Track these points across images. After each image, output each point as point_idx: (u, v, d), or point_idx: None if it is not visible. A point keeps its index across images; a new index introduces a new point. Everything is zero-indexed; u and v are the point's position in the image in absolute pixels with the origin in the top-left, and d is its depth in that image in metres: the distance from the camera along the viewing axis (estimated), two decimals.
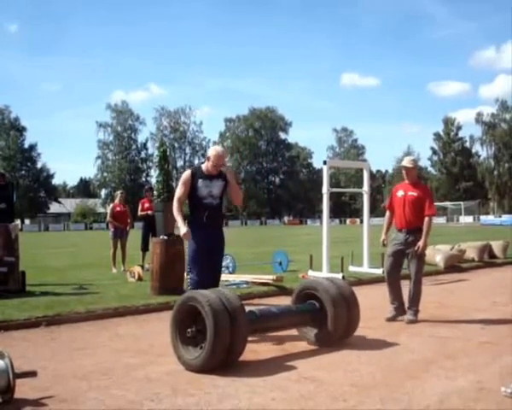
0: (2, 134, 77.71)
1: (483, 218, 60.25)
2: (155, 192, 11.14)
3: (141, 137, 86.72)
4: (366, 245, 10.68)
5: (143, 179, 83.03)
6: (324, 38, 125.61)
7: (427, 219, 6.39)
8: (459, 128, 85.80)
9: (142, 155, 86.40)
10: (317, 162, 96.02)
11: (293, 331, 5.46)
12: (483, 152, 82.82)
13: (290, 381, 4.15)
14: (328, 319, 5.08)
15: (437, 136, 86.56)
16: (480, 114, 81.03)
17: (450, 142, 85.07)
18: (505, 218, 55.05)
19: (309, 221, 79.15)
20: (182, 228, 5.33)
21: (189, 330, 4.48)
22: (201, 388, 4.00)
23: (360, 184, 12.23)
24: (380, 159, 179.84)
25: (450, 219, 66.70)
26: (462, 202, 62.04)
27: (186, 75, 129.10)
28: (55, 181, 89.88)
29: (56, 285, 9.11)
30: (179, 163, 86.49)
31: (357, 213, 77.92)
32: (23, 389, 3.83)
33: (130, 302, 7.43)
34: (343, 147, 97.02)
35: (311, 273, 10.02)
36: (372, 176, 63.40)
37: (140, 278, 9.75)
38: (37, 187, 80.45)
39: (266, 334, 5.38)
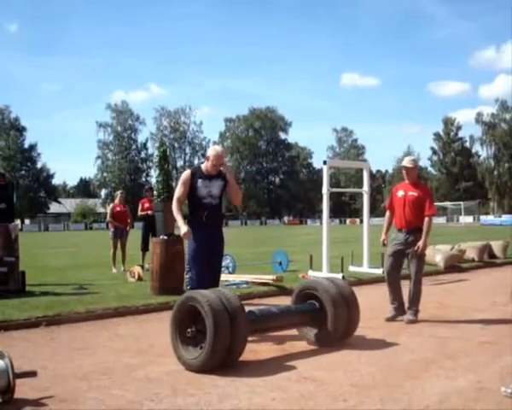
0: (2, 134, 77.70)
1: (483, 218, 60.27)
2: (155, 192, 11.14)
3: (141, 137, 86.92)
4: (366, 245, 10.68)
5: (143, 179, 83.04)
6: (324, 38, 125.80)
7: (427, 219, 6.39)
8: (459, 128, 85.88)
9: (142, 155, 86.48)
10: (317, 162, 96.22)
11: (293, 331, 5.46)
12: (483, 152, 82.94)
13: (290, 381, 4.15)
14: (328, 319, 5.09)
15: (437, 136, 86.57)
16: (479, 114, 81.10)
17: (450, 142, 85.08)
18: (505, 218, 55.05)
19: (309, 221, 79.16)
20: (182, 227, 5.33)
21: (188, 330, 4.48)
22: (201, 388, 4.00)
23: (360, 184, 12.23)
24: (380, 159, 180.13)
25: (450, 219, 66.70)
26: (462, 202, 62.04)
27: (186, 75, 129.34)
28: (55, 181, 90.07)
29: (56, 285, 9.11)
30: (179, 163, 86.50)
31: (357, 213, 77.92)
32: (23, 389, 3.83)
33: (131, 302, 7.43)
34: (343, 147, 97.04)
35: (311, 273, 10.02)
36: (372, 176, 63.42)
37: (140, 278, 9.75)
38: (37, 187, 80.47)
39: (266, 334, 5.38)
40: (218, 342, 4.25)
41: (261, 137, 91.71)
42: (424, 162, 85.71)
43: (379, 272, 10.01)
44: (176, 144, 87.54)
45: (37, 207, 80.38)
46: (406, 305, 6.48)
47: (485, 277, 11.16)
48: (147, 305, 7.39)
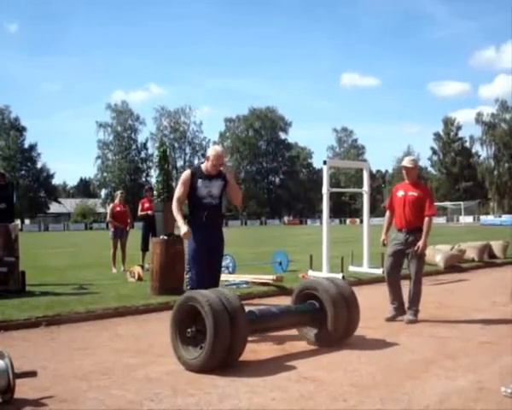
0: (2, 134, 77.70)
1: (483, 218, 60.28)
2: (155, 192, 11.14)
3: (141, 137, 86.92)
4: (366, 245, 10.68)
5: (143, 179, 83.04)
6: (324, 38, 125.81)
7: (427, 219, 6.39)
8: (459, 128, 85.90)
9: (142, 155, 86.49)
10: (317, 162, 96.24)
11: (293, 331, 5.46)
12: (483, 152, 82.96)
13: (290, 381, 4.15)
14: (328, 319, 5.08)
15: (437, 136, 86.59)
16: (479, 114, 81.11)
17: (450, 142, 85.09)
18: (505, 218, 55.05)
19: (309, 221, 79.17)
20: (182, 227, 5.33)
21: (188, 330, 4.48)
22: (201, 388, 4.00)
23: (360, 184, 12.23)
24: (380, 159, 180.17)
25: (450, 219, 66.70)
26: (462, 202, 62.04)
27: (186, 75, 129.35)
28: (55, 181, 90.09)
29: (56, 285, 9.11)
30: (179, 163, 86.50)
31: (357, 213, 77.93)
32: (23, 389, 3.83)
33: (130, 302, 7.43)
34: (343, 147, 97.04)
35: (311, 273, 10.02)
36: (372, 176, 63.42)
37: (140, 278, 9.75)
38: (37, 187, 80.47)
39: (266, 334, 5.38)
40: (218, 342, 4.25)
41: (261, 137, 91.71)
42: (424, 162, 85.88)
43: (379, 272, 10.01)
44: (176, 144, 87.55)
45: (37, 207, 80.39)
46: (406, 305, 6.48)
47: (485, 277, 11.16)
48: (147, 305, 7.39)
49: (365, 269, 10.56)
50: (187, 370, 4.40)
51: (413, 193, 6.48)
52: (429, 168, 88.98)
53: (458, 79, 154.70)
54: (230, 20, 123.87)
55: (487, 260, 13.20)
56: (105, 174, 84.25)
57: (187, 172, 5.59)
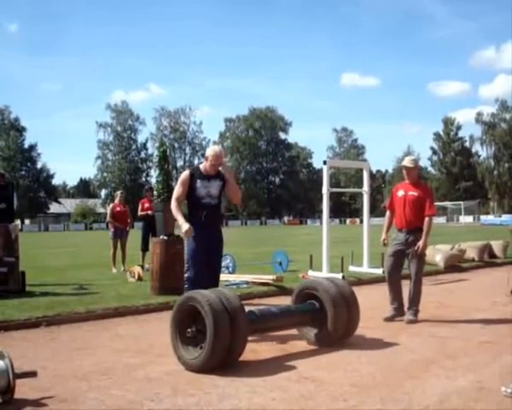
0: (2, 134, 77.70)
1: (483, 218, 60.28)
2: (155, 192, 11.13)
3: (141, 138, 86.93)
4: (366, 245, 10.68)
5: (143, 179, 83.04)
6: (324, 38, 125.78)
7: (427, 219, 6.39)
8: (459, 128, 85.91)
9: (142, 155, 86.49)
10: (317, 162, 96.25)
11: (293, 331, 5.46)
12: (483, 152, 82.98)
13: (290, 381, 4.15)
14: (328, 319, 5.08)
15: (437, 136, 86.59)
16: (479, 114, 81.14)
17: (450, 142, 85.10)
18: (505, 217, 55.04)
19: (309, 221, 79.17)
20: (184, 225, 5.33)
21: (188, 330, 4.48)
22: (201, 388, 4.00)
23: (360, 184, 12.23)
24: (380, 159, 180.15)
25: (450, 218, 66.72)
26: (462, 202, 62.03)
27: (186, 75, 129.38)
28: (55, 181, 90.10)
29: (56, 285, 9.11)
30: (179, 163, 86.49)
31: (357, 213, 77.93)
32: (23, 390, 3.83)
33: (131, 302, 7.43)
34: (343, 147, 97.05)
35: (311, 273, 10.02)
36: (372, 176, 63.42)
37: (140, 278, 9.75)
38: (37, 187, 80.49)
39: (266, 334, 5.38)
40: (218, 342, 4.25)
41: (261, 137, 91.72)
42: (424, 162, 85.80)
43: (379, 271, 10.02)
44: (176, 144, 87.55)
45: (37, 208, 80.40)
46: (406, 306, 6.48)
47: (485, 276, 11.16)
48: (147, 305, 7.39)
49: (365, 269, 10.56)
50: (187, 370, 4.40)
51: (413, 193, 6.47)
52: (429, 168, 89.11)
53: (458, 78, 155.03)
54: (230, 20, 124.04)
55: (487, 259, 13.21)
56: (105, 174, 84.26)
57: (186, 173, 5.60)
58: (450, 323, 6.34)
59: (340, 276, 8.81)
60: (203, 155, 5.79)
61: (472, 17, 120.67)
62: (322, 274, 9.39)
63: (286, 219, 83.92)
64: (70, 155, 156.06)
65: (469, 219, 63.17)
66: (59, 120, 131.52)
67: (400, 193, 6.60)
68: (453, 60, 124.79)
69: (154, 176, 61.02)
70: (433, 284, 9.60)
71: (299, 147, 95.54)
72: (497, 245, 13.87)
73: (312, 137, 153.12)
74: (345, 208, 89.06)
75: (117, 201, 12.25)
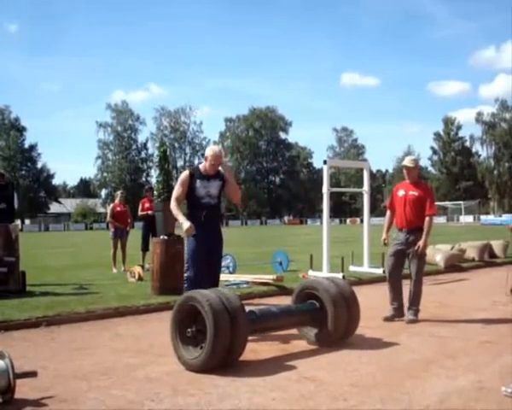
0: (2, 134, 77.69)
1: (483, 217, 60.23)
2: (155, 192, 11.14)
3: (141, 137, 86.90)
4: (366, 245, 10.68)
5: (143, 179, 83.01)
6: (324, 38, 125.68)
7: (427, 218, 6.39)
8: (459, 128, 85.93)
9: (143, 155, 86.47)
10: (317, 162, 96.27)
11: (294, 331, 5.46)
12: (483, 152, 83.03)
13: (290, 381, 4.15)
14: (328, 319, 5.08)
15: (437, 135, 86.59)
16: (480, 114, 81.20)
17: (450, 141, 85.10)
18: (505, 217, 54.97)
19: (309, 221, 79.14)
20: (185, 223, 5.34)
21: (189, 330, 4.48)
22: (202, 388, 4.00)
23: (360, 184, 12.22)
24: (380, 159, 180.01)
25: (451, 218, 66.73)
26: (462, 202, 62.04)
27: (186, 75, 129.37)
28: (56, 181, 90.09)
29: (56, 285, 9.11)
30: (179, 163, 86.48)
31: (358, 212, 77.91)
32: (23, 390, 3.83)
33: (131, 302, 7.43)
34: (343, 147, 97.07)
35: (311, 273, 10.02)
36: (372, 176, 63.42)
37: (140, 278, 9.75)
38: (37, 187, 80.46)
39: (266, 334, 5.38)
40: (218, 342, 4.25)
41: (261, 136, 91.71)
42: (424, 162, 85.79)
43: (379, 271, 10.02)
44: (176, 144, 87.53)
45: (38, 208, 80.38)
46: (406, 306, 6.48)
47: (485, 276, 11.16)
48: (147, 305, 7.39)
49: (365, 269, 10.56)
50: (187, 370, 4.40)
51: (414, 193, 6.47)
52: (429, 168, 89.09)
53: (458, 78, 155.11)
54: (230, 20, 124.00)
55: (487, 259, 13.21)
56: (105, 174, 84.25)
57: (185, 173, 5.61)
58: (451, 323, 6.34)
59: (340, 276, 8.81)
60: (203, 155, 5.78)
61: (472, 17, 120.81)
62: (323, 274, 9.38)
63: (286, 218, 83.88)
64: (70, 155, 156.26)
65: (469, 218, 63.16)
66: (59, 120, 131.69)
67: (401, 193, 6.60)
68: (453, 60, 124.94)
69: (154, 176, 60.86)
70: (433, 284, 9.60)
71: (299, 147, 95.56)
72: (497, 245, 13.86)
73: (312, 136, 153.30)
74: (345, 208, 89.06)
75: (117, 201, 12.24)
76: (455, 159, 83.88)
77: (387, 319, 6.39)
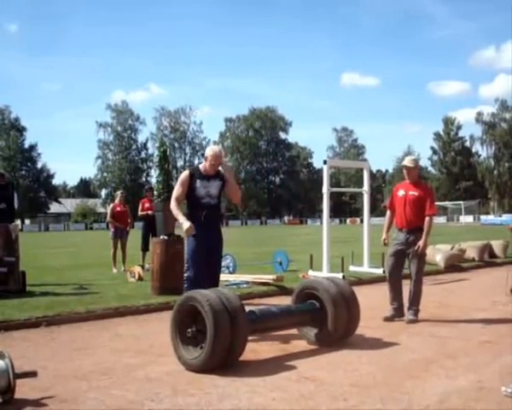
0: (2, 134, 77.69)
1: (483, 217, 60.22)
2: (155, 192, 11.14)
3: (141, 137, 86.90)
4: (366, 245, 10.68)
5: (143, 179, 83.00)
6: (324, 38, 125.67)
7: (427, 218, 6.39)
8: (459, 128, 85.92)
9: (143, 155, 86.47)
10: (317, 162, 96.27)
11: (294, 331, 5.46)
12: (483, 152, 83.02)
13: (290, 381, 4.15)
14: (328, 319, 5.08)
15: (437, 135, 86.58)
16: (480, 114, 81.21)
17: (450, 141, 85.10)
18: (506, 217, 54.97)
19: (309, 221, 79.14)
20: (185, 223, 5.34)
21: (189, 330, 4.48)
22: (202, 388, 4.00)
23: (360, 184, 12.22)
24: (380, 159, 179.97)
25: (451, 218, 66.73)
26: (462, 202, 62.04)
27: (186, 75, 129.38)
28: (56, 181, 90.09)
29: (56, 285, 9.11)
30: (179, 163, 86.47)
31: (358, 212, 77.91)
32: (23, 390, 3.83)
33: (131, 302, 7.43)
34: (343, 147, 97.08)
35: (311, 273, 10.02)
36: (372, 176, 63.41)
37: (140, 278, 9.75)
38: (37, 187, 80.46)
39: (266, 334, 5.38)
40: (218, 342, 4.25)
41: (261, 137, 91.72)
42: (424, 162, 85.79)
43: (379, 271, 10.02)
44: (176, 144, 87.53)
45: (38, 208, 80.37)
46: (406, 306, 6.48)
47: (485, 276, 11.16)
48: (147, 305, 7.39)
49: (366, 269, 10.56)
50: (187, 370, 4.40)
51: (414, 193, 6.47)
52: (429, 168, 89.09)
53: (458, 78, 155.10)
54: (230, 20, 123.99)
55: (488, 259, 13.21)
56: (105, 174, 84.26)
57: (185, 173, 5.62)
58: (451, 323, 6.34)
59: (340, 276, 8.81)
60: (203, 155, 5.78)
61: (472, 17, 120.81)
62: (323, 274, 9.38)
63: (286, 218, 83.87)
64: (70, 155, 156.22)
65: (469, 218, 63.15)
66: (59, 120, 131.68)
67: (401, 193, 6.60)
68: (453, 60, 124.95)
69: (154, 176, 60.85)
70: (433, 284, 9.60)
71: (299, 147, 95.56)
72: (497, 245, 13.86)
73: (312, 137, 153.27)
74: (345, 208, 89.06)
75: (117, 201, 12.25)
76: (455, 159, 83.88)
77: (387, 319, 6.39)
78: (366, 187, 11.08)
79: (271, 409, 3.62)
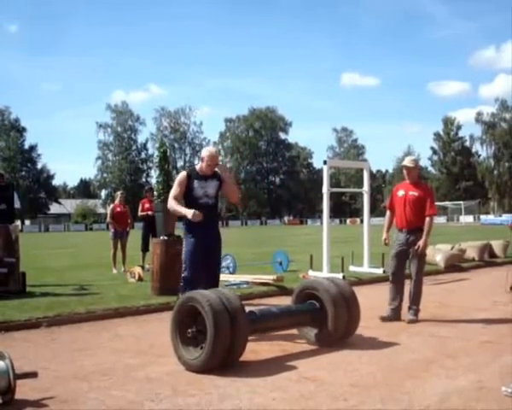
0: (2, 135, 77.69)
1: (483, 217, 60.22)
2: (155, 193, 11.11)
3: (141, 138, 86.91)
4: (366, 245, 10.68)
5: (143, 180, 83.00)
6: (324, 38, 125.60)
7: (428, 219, 6.39)
8: (459, 128, 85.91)
9: (143, 155, 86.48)
10: (317, 162, 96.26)
11: (294, 331, 5.46)
12: (483, 152, 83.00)
13: (291, 381, 4.15)
14: (328, 319, 5.08)
15: (437, 135, 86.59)
16: (479, 114, 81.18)
17: (450, 141, 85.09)
18: (505, 217, 54.95)
19: (309, 221, 79.12)
20: (188, 211, 5.35)
21: (189, 330, 4.48)
22: (202, 388, 4.00)
23: (360, 184, 12.23)
24: (380, 159, 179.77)
25: (451, 218, 66.70)
26: (462, 202, 62.04)
27: (186, 75, 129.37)
28: (56, 182, 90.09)
29: (57, 286, 9.11)
30: (179, 163, 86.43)
31: (358, 213, 77.90)
32: (24, 390, 3.83)
33: (131, 303, 7.43)
34: (343, 147, 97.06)
35: (311, 273, 10.02)
36: (372, 176, 63.40)
37: (140, 279, 9.75)
38: (37, 188, 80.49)
39: (266, 334, 5.38)
40: (218, 343, 4.25)
41: (261, 137, 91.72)
42: (424, 162, 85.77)
43: (379, 271, 10.03)
44: (176, 145, 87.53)
45: (38, 208, 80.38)
46: (406, 306, 6.47)
47: (485, 276, 11.16)
48: (147, 305, 7.39)
49: (366, 269, 10.56)
50: (187, 370, 4.40)
51: (414, 193, 6.47)
52: (429, 168, 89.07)
53: (458, 78, 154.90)
54: (230, 20, 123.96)
55: (488, 259, 13.21)
56: (105, 175, 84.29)
57: (183, 173, 5.66)
58: (451, 323, 6.34)
59: (340, 276, 8.81)
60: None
61: (472, 17, 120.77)
62: (323, 274, 9.39)
63: (286, 219, 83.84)
64: (70, 156, 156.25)
65: (469, 218, 63.14)
66: (59, 120, 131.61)
67: (400, 193, 6.60)
68: (453, 60, 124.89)
69: (154, 176, 60.84)
70: (433, 284, 9.60)
71: (299, 147, 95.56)
72: (497, 245, 13.87)
73: (312, 137, 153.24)
74: (345, 208, 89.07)
75: (117, 201, 12.25)
76: (455, 159, 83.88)
77: (384, 319, 6.38)
78: (366, 187, 11.08)
79: (272, 409, 3.62)
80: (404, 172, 6.64)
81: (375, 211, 52.02)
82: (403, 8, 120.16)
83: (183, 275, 5.51)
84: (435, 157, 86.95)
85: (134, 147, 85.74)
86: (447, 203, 65.60)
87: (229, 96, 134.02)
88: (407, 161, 6.66)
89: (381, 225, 7.49)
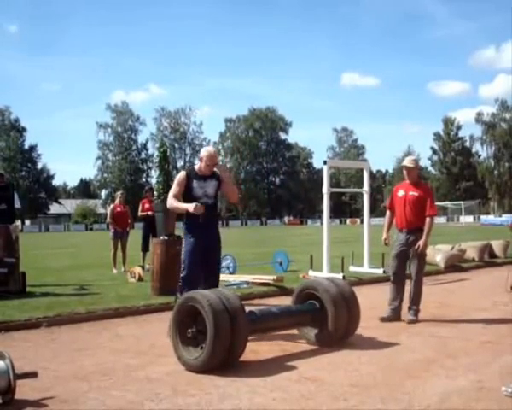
0: (2, 135, 77.69)
1: (483, 217, 60.21)
2: (155, 193, 11.13)
3: (141, 138, 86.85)
4: (366, 245, 10.68)
5: (144, 180, 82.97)
6: (324, 38, 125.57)
7: (428, 219, 6.39)
8: (459, 128, 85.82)
9: (143, 155, 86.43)
10: (317, 162, 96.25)
11: (294, 331, 5.46)
12: (483, 152, 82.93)
13: (291, 381, 4.15)
14: (328, 319, 5.09)
15: (437, 136, 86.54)
16: (479, 114, 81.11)
17: (450, 141, 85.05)
18: (506, 217, 54.93)
19: (309, 221, 79.11)
20: (189, 205, 5.34)
21: (189, 330, 4.48)
22: (202, 388, 4.00)
23: (360, 184, 12.23)
24: (380, 159, 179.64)
25: (451, 218, 66.68)
26: (462, 202, 62.02)
27: (186, 75, 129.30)
28: (56, 182, 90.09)
29: (57, 286, 9.11)
30: (179, 164, 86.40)
31: (358, 213, 77.91)
32: (24, 390, 3.83)
33: (131, 303, 7.43)
34: (343, 147, 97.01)
35: (311, 273, 10.02)
36: (372, 176, 63.40)
37: (140, 279, 9.75)
38: (37, 188, 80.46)
39: (266, 334, 5.38)
40: (218, 343, 4.25)
41: (261, 137, 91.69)
42: (424, 162, 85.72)
43: (379, 271, 10.02)
44: (176, 145, 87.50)
45: (38, 208, 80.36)
46: (406, 307, 6.47)
47: (485, 276, 11.16)
48: (147, 305, 7.39)
49: (366, 269, 10.56)
50: (187, 370, 4.40)
51: (414, 193, 6.47)
52: (429, 168, 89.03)
53: (458, 78, 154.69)
54: (230, 20, 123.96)
55: (488, 259, 13.21)
56: (105, 175, 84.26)
57: (182, 173, 5.66)
58: (451, 323, 6.34)
59: (340, 276, 8.81)
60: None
61: (472, 17, 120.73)
62: (323, 274, 9.39)
63: (286, 219, 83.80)
64: (70, 156, 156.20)
65: (470, 218, 63.12)
66: (59, 120, 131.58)
67: (400, 193, 6.60)
68: (453, 60, 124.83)
69: (154, 176, 60.86)
70: (433, 284, 9.60)
71: (299, 147, 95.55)
72: (497, 245, 13.87)
73: (312, 137, 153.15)
74: (345, 208, 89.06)
75: (117, 201, 12.25)
76: (455, 159, 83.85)
77: (384, 320, 6.38)
78: (366, 187, 11.08)
79: (272, 409, 3.62)
80: (404, 172, 6.64)
81: (375, 211, 52.08)
82: (403, 8, 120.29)
83: (181, 275, 5.51)
84: (435, 157, 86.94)
85: (134, 147, 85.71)
86: (447, 203, 65.59)
87: (229, 96, 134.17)
88: (407, 161, 6.66)
89: (380, 225, 7.49)
